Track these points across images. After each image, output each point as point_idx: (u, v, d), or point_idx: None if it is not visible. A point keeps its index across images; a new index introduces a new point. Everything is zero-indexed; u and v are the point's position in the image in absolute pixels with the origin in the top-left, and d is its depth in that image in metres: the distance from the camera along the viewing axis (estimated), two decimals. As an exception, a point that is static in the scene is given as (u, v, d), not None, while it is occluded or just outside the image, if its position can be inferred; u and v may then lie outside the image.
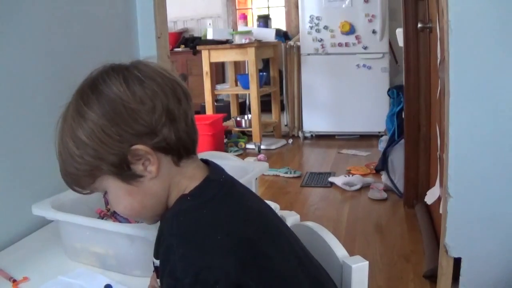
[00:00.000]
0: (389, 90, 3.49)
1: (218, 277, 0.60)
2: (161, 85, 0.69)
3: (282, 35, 5.26)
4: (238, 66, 5.28)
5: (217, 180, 0.73)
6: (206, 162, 0.77)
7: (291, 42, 4.78)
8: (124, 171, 0.68)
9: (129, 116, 0.66)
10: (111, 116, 0.66)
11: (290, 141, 4.68)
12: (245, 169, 1.22)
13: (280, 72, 4.85)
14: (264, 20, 5.25)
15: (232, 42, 4.39)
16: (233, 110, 4.91)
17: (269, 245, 0.68)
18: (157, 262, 0.70)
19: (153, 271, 0.83)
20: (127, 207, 0.72)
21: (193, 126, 0.73)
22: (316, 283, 0.72)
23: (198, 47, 4.57)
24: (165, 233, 0.69)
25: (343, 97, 4.60)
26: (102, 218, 1.08)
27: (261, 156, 3.99)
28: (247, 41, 4.19)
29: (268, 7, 6.36)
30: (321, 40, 4.56)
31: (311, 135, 4.80)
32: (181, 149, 0.71)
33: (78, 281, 0.94)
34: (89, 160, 0.68)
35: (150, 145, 0.68)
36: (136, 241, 0.92)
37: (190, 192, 0.70)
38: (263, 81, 4.56)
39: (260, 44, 4.34)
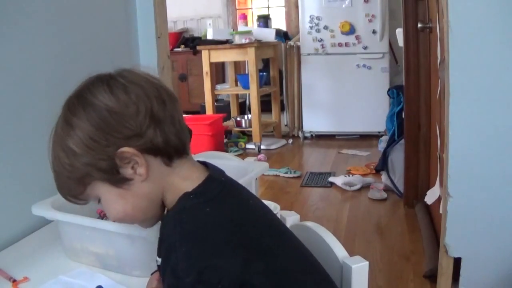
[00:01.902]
0: (389, 90, 3.49)
1: (221, 276, 0.61)
2: (145, 89, 0.70)
3: (282, 35, 5.25)
4: (238, 66, 5.28)
5: (219, 180, 0.73)
6: (203, 163, 0.77)
7: (291, 42, 4.78)
8: (114, 175, 0.69)
9: (114, 121, 0.68)
10: (96, 123, 0.68)
11: (290, 141, 4.68)
12: (245, 169, 1.22)
13: (280, 72, 4.85)
14: (264, 20, 5.25)
15: (232, 42, 4.39)
16: (233, 110, 4.90)
17: (272, 243, 0.69)
18: (160, 260, 0.70)
19: (151, 274, 0.84)
20: (119, 212, 0.73)
21: (182, 127, 0.73)
22: (319, 280, 0.72)
23: (198, 47, 4.57)
24: (167, 231, 0.69)
25: (343, 97, 4.59)
26: (102, 218, 1.08)
27: (261, 156, 3.99)
28: (247, 41, 4.19)
29: (268, 7, 6.36)
30: (321, 40, 4.56)
31: (311, 135, 4.80)
32: (170, 150, 0.71)
33: (79, 281, 0.94)
34: (79, 167, 0.69)
35: (136, 147, 0.68)
36: (136, 241, 0.92)
37: (193, 190, 0.70)
38: (263, 81, 4.56)
39: (260, 44, 4.33)
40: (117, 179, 0.70)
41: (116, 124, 0.68)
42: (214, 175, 0.74)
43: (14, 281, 0.95)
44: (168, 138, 0.70)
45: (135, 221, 0.77)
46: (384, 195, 2.99)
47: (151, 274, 0.84)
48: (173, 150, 0.71)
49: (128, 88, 0.70)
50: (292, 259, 0.70)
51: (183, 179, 0.72)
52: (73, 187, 0.72)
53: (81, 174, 0.70)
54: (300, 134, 4.77)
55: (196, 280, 0.60)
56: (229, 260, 0.62)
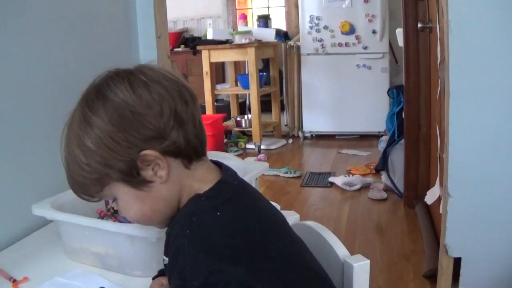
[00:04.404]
0: (389, 90, 3.49)
1: (227, 281, 0.60)
2: (168, 88, 0.68)
3: (282, 35, 5.25)
4: (238, 66, 5.28)
5: (231, 183, 0.72)
6: (216, 163, 0.76)
7: (291, 42, 4.78)
8: (134, 177, 0.67)
9: (137, 121, 0.65)
10: (118, 122, 0.65)
11: (290, 141, 4.68)
12: (245, 169, 1.22)
13: (280, 72, 4.85)
14: (264, 20, 5.24)
15: (232, 42, 4.39)
16: (233, 110, 4.90)
17: (279, 250, 0.68)
18: (167, 259, 0.69)
19: (152, 278, 0.83)
20: (137, 213, 0.71)
21: (201, 127, 0.72)
22: (323, 285, 0.72)
23: (198, 47, 4.57)
24: (176, 231, 0.67)
25: (343, 97, 4.60)
26: (102, 218, 1.07)
27: (261, 156, 3.99)
28: (247, 41, 4.19)
29: (268, 7, 6.35)
30: (321, 40, 4.56)
31: (311, 135, 4.80)
32: (190, 151, 0.69)
33: (75, 282, 0.93)
34: (97, 168, 0.67)
35: (159, 149, 0.66)
36: (136, 241, 0.92)
37: (205, 192, 0.69)
38: (263, 81, 4.56)
39: (260, 44, 4.33)
40: (137, 181, 0.68)
41: (138, 125, 0.65)
42: (227, 178, 0.72)
43: (14, 281, 0.95)
44: (190, 139, 0.68)
45: (152, 223, 0.75)
46: (384, 195, 2.99)
47: (152, 278, 0.84)
48: (193, 152, 0.70)
49: (151, 86, 0.67)
50: (297, 267, 0.69)
51: (199, 181, 0.71)
52: (89, 186, 0.70)
53: (99, 174, 0.67)
54: (300, 134, 4.77)
55: (203, 283, 0.60)
56: (235, 266, 0.62)
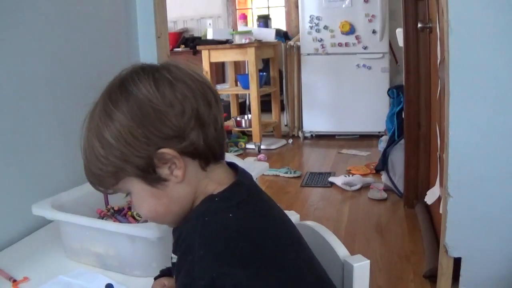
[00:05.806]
0: (389, 90, 3.49)
1: (234, 284, 0.60)
2: (192, 89, 0.68)
3: (282, 35, 5.25)
4: (238, 66, 5.28)
5: (246, 185, 0.72)
6: (232, 166, 0.76)
7: (291, 42, 4.78)
8: (150, 174, 0.67)
9: (157, 119, 0.65)
10: (139, 118, 0.65)
11: (290, 141, 4.68)
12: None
13: (280, 72, 4.85)
14: (264, 20, 5.25)
15: (232, 42, 4.39)
16: (233, 110, 4.90)
17: (288, 257, 0.68)
18: (175, 257, 0.69)
19: (154, 278, 0.83)
20: (151, 210, 0.71)
21: (222, 130, 0.71)
22: None
23: (198, 47, 4.57)
24: (187, 230, 0.67)
25: (343, 97, 4.60)
26: (102, 218, 1.08)
27: (261, 156, 3.99)
28: (247, 41, 4.19)
29: (268, 7, 6.35)
30: (321, 40, 4.57)
31: (311, 135, 4.80)
32: (209, 154, 0.69)
33: (79, 281, 0.94)
34: (114, 161, 0.67)
35: (178, 149, 0.66)
36: (136, 241, 0.92)
37: (219, 193, 0.69)
38: (263, 81, 4.56)
39: (260, 44, 4.33)
40: (152, 178, 0.68)
41: (158, 123, 0.65)
42: (242, 180, 0.72)
43: (14, 281, 0.95)
44: (209, 142, 0.68)
45: (164, 222, 0.74)
46: (384, 195, 2.99)
47: (154, 279, 0.84)
48: (211, 155, 0.70)
49: (175, 85, 0.67)
50: (304, 274, 0.69)
51: (215, 184, 0.70)
52: (105, 179, 0.70)
53: (115, 168, 0.67)
54: (300, 134, 4.77)
55: (210, 284, 0.60)
56: (243, 270, 0.61)
